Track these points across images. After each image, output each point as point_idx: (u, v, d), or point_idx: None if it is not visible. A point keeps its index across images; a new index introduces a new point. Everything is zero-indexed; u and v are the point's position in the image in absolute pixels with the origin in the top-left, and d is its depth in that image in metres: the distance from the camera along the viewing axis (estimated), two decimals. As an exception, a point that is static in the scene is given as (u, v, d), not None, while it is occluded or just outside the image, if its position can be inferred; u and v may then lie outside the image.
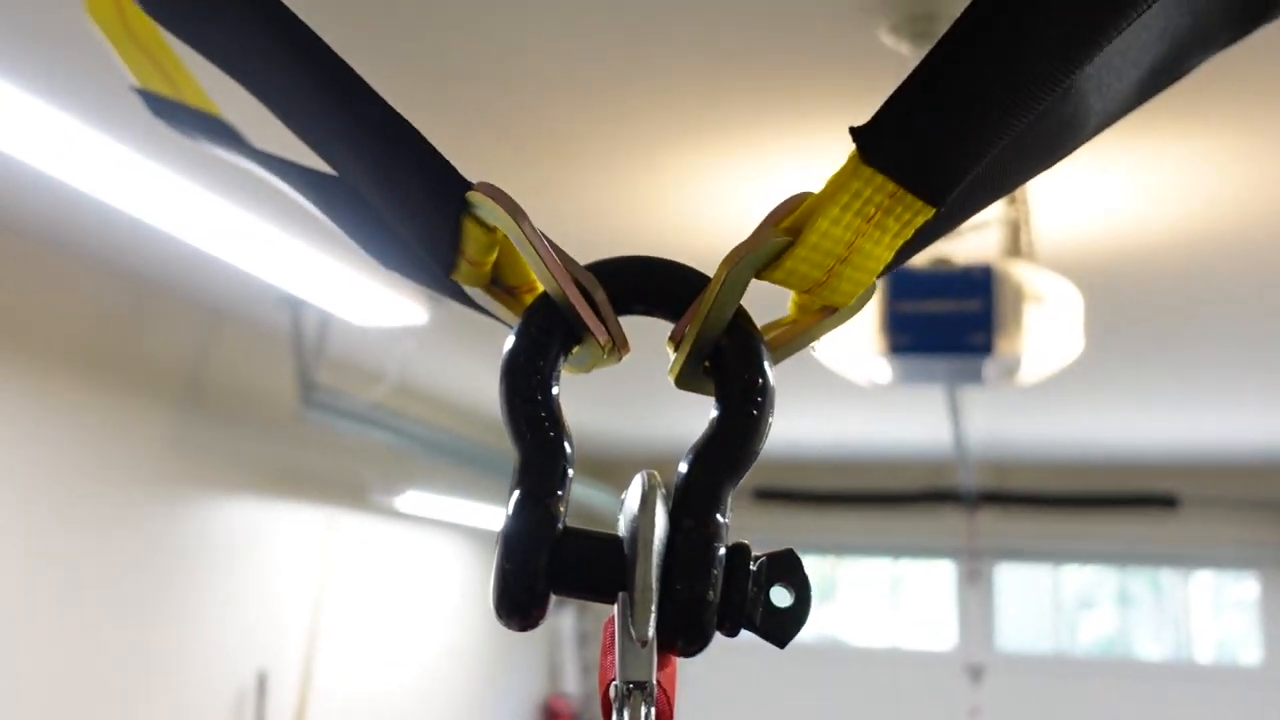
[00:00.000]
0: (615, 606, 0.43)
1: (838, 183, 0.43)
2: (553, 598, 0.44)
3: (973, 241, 2.72)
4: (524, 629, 0.42)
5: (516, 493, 0.43)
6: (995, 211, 2.79)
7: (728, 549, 0.45)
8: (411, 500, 5.11)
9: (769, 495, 8.05)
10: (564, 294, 0.45)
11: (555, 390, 0.47)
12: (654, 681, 0.42)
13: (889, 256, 0.46)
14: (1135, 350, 4.32)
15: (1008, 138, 0.43)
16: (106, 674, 3.85)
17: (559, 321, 0.47)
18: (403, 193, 0.50)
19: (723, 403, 0.47)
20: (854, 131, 0.42)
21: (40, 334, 3.62)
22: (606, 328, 0.46)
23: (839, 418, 6.25)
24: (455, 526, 6.17)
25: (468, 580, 6.52)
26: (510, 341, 0.48)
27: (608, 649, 0.44)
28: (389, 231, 0.56)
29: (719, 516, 0.45)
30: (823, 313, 0.48)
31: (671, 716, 0.44)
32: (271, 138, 0.64)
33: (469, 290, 0.51)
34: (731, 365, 0.46)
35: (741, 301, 0.46)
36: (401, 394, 4.99)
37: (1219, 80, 2.16)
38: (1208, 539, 7.24)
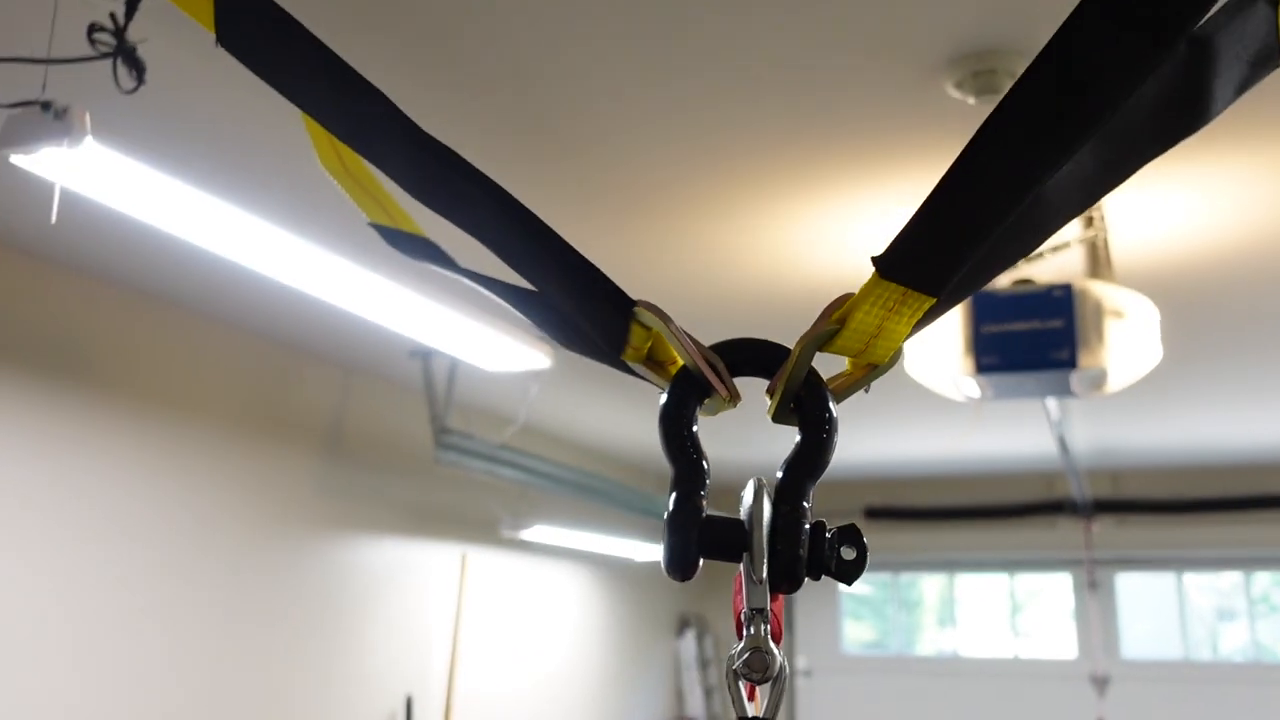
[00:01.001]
0: (741, 564, 0.68)
1: (865, 290, 0.68)
2: (702, 562, 0.69)
3: (1054, 261, 2.90)
4: (684, 580, 0.68)
5: (674, 494, 0.69)
6: (1074, 232, 2.97)
7: (811, 524, 0.69)
8: (538, 532, 5.42)
9: (881, 514, 8.16)
10: (699, 367, 0.71)
11: (696, 428, 0.73)
12: (769, 609, 0.67)
13: (908, 329, 0.71)
14: (1236, 352, 4.39)
15: (977, 254, 0.68)
16: (271, 697, 4.23)
17: (695, 384, 0.72)
18: (588, 305, 0.77)
19: (804, 430, 0.72)
20: (874, 259, 0.67)
21: (207, 398, 4.04)
22: (726, 387, 0.72)
23: (949, 434, 6.36)
24: (580, 555, 6.47)
25: (593, 606, 6.81)
26: (663, 398, 0.74)
27: (738, 591, 0.69)
28: (573, 326, 0.83)
29: (805, 504, 0.70)
30: (868, 368, 0.73)
31: (780, 631, 0.69)
32: (473, 257, 0.92)
33: (633, 365, 0.77)
34: (809, 406, 0.71)
35: (812, 364, 0.72)
36: (526, 434, 5.31)
37: (1275, 98, 2.31)
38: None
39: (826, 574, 0.70)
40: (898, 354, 0.73)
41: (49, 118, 1.70)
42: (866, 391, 0.78)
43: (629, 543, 6.07)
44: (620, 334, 0.75)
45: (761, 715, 0.67)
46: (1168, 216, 2.98)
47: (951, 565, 8.25)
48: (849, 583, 0.70)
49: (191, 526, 3.91)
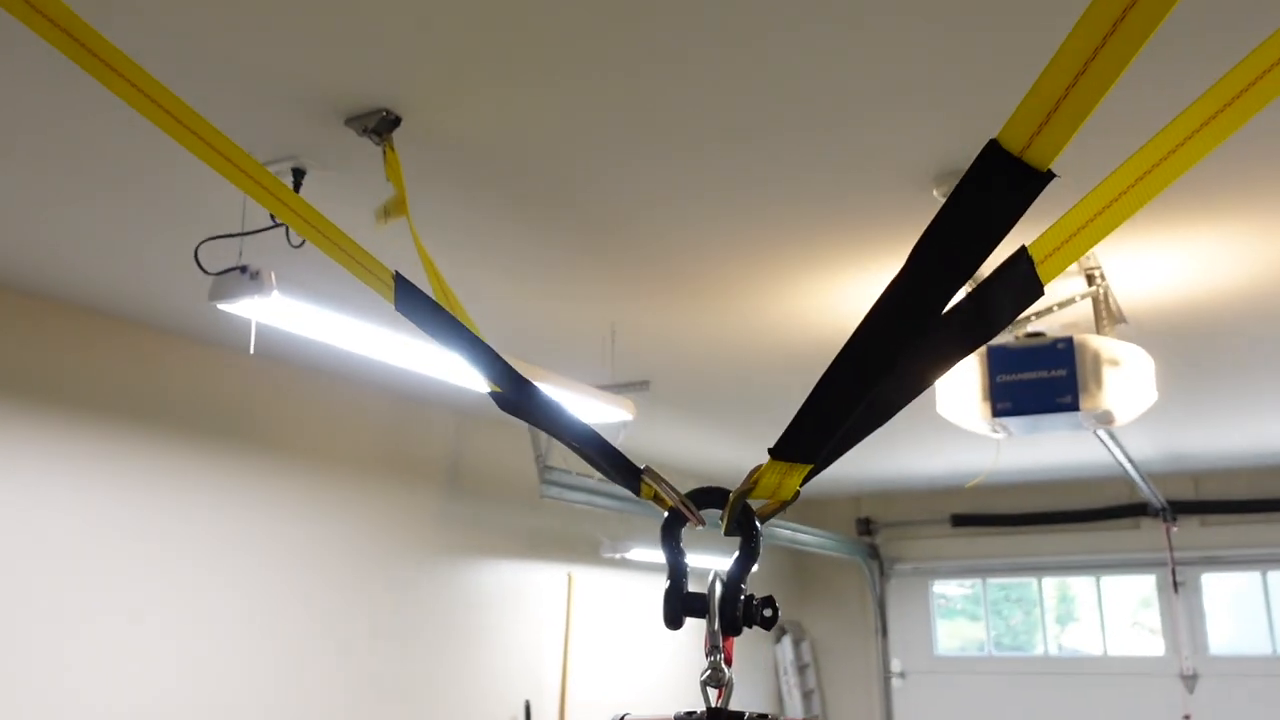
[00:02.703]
0: (705, 620, 1.21)
1: (767, 466, 1.20)
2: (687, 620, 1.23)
3: (1063, 316, 3.32)
4: (674, 629, 1.21)
5: (669, 580, 1.23)
6: (1080, 288, 3.39)
7: (744, 597, 1.22)
8: (637, 553, 5.98)
9: (967, 521, 8.51)
10: (679, 506, 1.25)
11: (681, 540, 1.26)
12: (721, 644, 1.20)
13: (799, 481, 1.23)
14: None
15: (835, 437, 1.20)
16: (404, 704, 4.87)
17: (679, 515, 1.26)
18: (615, 471, 1.31)
19: (742, 541, 1.24)
20: (769, 449, 1.20)
21: (345, 449, 4.70)
22: (696, 518, 1.25)
23: (1029, 442, 6.68)
24: (675, 571, 7.01)
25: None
26: (664, 519, 1.27)
27: (706, 638, 1.22)
28: (610, 471, 1.37)
29: (741, 585, 1.22)
30: (781, 503, 1.26)
31: (731, 657, 1.22)
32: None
33: (646, 500, 1.31)
34: (745, 526, 1.24)
35: (746, 501, 1.24)
36: (619, 462, 5.88)
37: (1264, 171, 2.72)
38: None
39: (754, 625, 1.22)
40: (797, 494, 1.25)
41: (246, 278, 2.32)
42: (784, 513, 1.30)
43: (721, 558, 6.58)
44: (635, 486, 1.30)
45: (718, 707, 1.20)
46: (1167, 272, 3.38)
47: (1038, 569, 8.53)
48: (768, 629, 1.22)
49: (339, 558, 4.57)
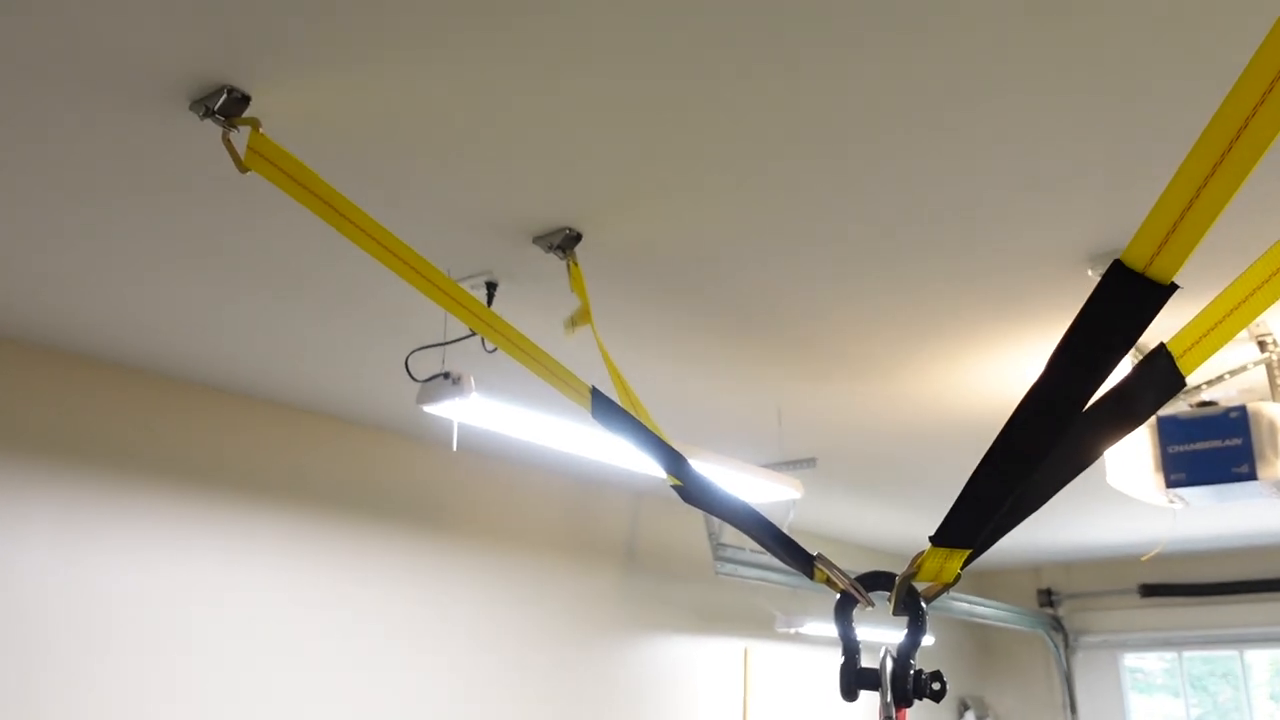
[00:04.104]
0: (878, 693, 1.35)
1: (929, 552, 1.34)
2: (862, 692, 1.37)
3: (1234, 385, 3.28)
4: (850, 702, 1.36)
5: (843, 657, 1.37)
6: (1253, 355, 3.34)
7: (914, 671, 1.35)
8: (811, 627, 6.02)
9: (1157, 590, 8.15)
10: (849, 589, 1.40)
11: (853, 620, 1.40)
12: (894, 715, 1.34)
13: (959, 565, 1.37)
14: None
15: (992, 523, 1.33)
16: (597, 782, 5.04)
17: (850, 597, 1.41)
18: (790, 558, 1.48)
19: (910, 621, 1.38)
20: (930, 537, 1.34)
21: (528, 530, 4.98)
22: (865, 599, 1.40)
23: (1215, 508, 6.43)
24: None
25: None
26: (836, 601, 1.42)
27: (880, 709, 1.36)
28: (785, 557, 1.53)
29: (911, 660, 1.36)
30: (944, 585, 1.39)
31: (904, 726, 1.35)
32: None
33: (819, 582, 1.46)
34: (910, 607, 1.38)
35: (911, 582, 1.38)
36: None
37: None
38: None
39: (924, 697, 1.35)
40: (958, 577, 1.39)
41: (449, 383, 2.59)
42: (958, 586, 1.44)
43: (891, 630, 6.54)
44: (809, 571, 1.45)
45: (897, 773, 1.33)
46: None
47: (1239, 641, 8.07)
48: (937, 701, 1.35)
49: (524, 635, 4.82)
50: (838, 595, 1.44)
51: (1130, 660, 8.53)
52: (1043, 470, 1.34)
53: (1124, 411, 1.36)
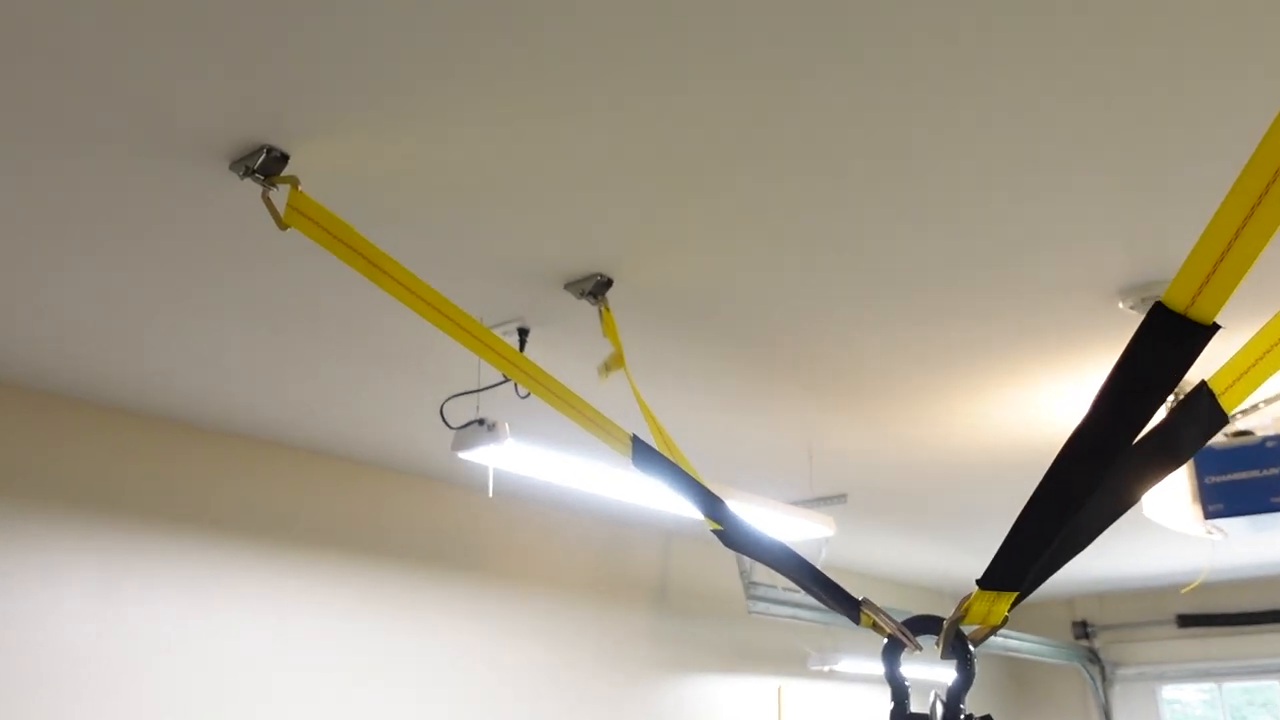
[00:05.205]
0: (931, 734, 1.35)
1: (975, 595, 1.34)
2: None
3: (1269, 413, 3.26)
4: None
5: (893, 703, 1.37)
6: (1287, 383, 3.32)
7: (965, 715, 1.35)
8: (845, 664, 5.97)
9: (1195, 621, 8.03)
10: (896, 633, 1.40)
11: (901, 667, 1.40)
12: (945, 758, 1.33)
13: (1006, 608, 1.37)
14: None
15: (1038, 564, 1.33)
16: (634, 826, 4.99)
17: (898, 642, 1.41)
18: (837, 603, 1.48)
19: (959, 663, 1.38)
20: (977, 580, 1.34)
21: (560, 571, 4.98)
22: (912, 643, 1.40)
23: (1260, 537, 6.33)
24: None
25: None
26: (884, 645, 1.42)
27: (930, 752, 1.36)
28: (830, 602, 1.54)
29: (961, 705, 1.36)
30: (991, 628, 1.39)
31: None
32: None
33: (865, 625, 1.46)
34: (959, 650, 1.37)
35: (959, 625, 1.38)
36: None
37: None
38: None
39: (974, 739, 1.35)
40: (1005, 619, 1.38)
41: (484, 429, 2.61)
42: (996, 634, 1.43)
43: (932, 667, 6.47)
44: (855, 616, 1.46)
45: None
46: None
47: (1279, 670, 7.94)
48: (985, 745, 1.35)
49: (556, 675, 4.81)
50: (884, 640, 1.44)
51: (1169, 692, 8.39)
52: (1087, 511, 1.34)
53: (1167, 451, 1.36)
